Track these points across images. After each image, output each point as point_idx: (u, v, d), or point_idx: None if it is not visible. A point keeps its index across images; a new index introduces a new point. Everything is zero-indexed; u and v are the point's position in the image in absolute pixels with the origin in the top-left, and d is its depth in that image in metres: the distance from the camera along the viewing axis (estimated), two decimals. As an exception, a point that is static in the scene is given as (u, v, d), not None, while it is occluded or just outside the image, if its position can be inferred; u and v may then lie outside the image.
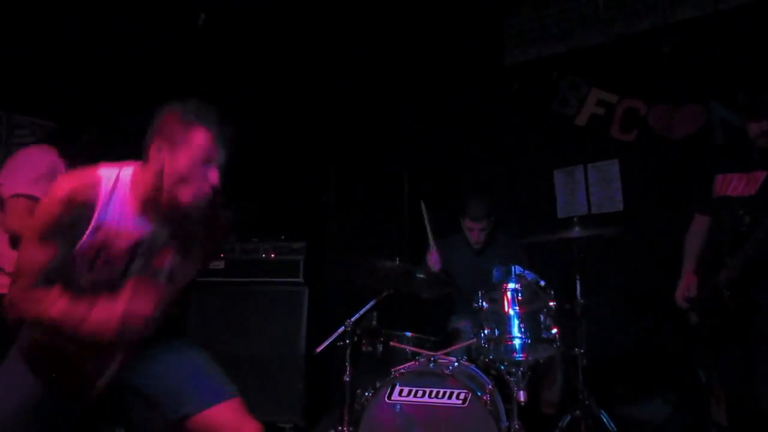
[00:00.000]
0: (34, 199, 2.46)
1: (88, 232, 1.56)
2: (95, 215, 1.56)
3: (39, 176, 2.51)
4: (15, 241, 2.45)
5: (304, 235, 4.05)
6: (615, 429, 2.79)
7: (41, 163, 2.56)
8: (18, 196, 2.45)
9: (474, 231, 3.48)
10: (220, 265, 3.92)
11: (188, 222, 1.65)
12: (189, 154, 1.56)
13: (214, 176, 1.59)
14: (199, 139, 1.58)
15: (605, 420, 2.81)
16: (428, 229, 3.42)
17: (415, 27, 4.52)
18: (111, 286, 1.58)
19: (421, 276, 3.18)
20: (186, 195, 1.57)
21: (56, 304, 1.53)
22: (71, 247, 1.56)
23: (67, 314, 1.53)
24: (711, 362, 3.00)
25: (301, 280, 3.89)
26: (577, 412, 2.83)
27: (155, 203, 1.60)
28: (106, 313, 1.52)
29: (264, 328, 3.82)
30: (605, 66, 4.12)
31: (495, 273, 3.10)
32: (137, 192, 1.61)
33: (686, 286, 2.78)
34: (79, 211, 1.54)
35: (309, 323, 3.81)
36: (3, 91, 3.53)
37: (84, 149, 2.75)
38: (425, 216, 3.43)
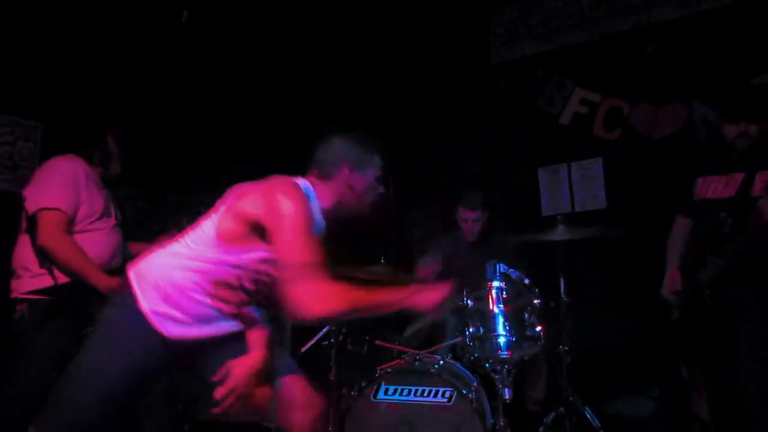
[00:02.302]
0: (61, 211, 2.43)
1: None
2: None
3: (61, 187, 2.47)
4: (45, 255, 2.40)
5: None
6: (599, 425, 2.81)
7: (63, 173, 2.51)
8: (44, 209, 2.42)
9: (468, 222, 3.44)
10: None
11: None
12: (374, 172, 2.06)
13: (383, 188, 2.09)
14: (378, 161, 2.07)
15: (589, 416, 2.83)
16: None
17: (400, 26, 4.52)
18: None
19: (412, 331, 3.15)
20: (366, 203, 2.05)
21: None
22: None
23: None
24: (693, 358, 3.04)
25: (286, 279, 3.87)
26: (562, 408, 2.85)
27: (333, 212, 2.01)
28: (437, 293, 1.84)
29: (249, 327, 3.78)
30: (589, 65, 4.15)
31: (488, 270, 3.09)
32: (323, 203, 1.99)
33: (672, 281, 2.81)
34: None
35: (294, 322, 3.79)
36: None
37: (109, 153, 2.71)
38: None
